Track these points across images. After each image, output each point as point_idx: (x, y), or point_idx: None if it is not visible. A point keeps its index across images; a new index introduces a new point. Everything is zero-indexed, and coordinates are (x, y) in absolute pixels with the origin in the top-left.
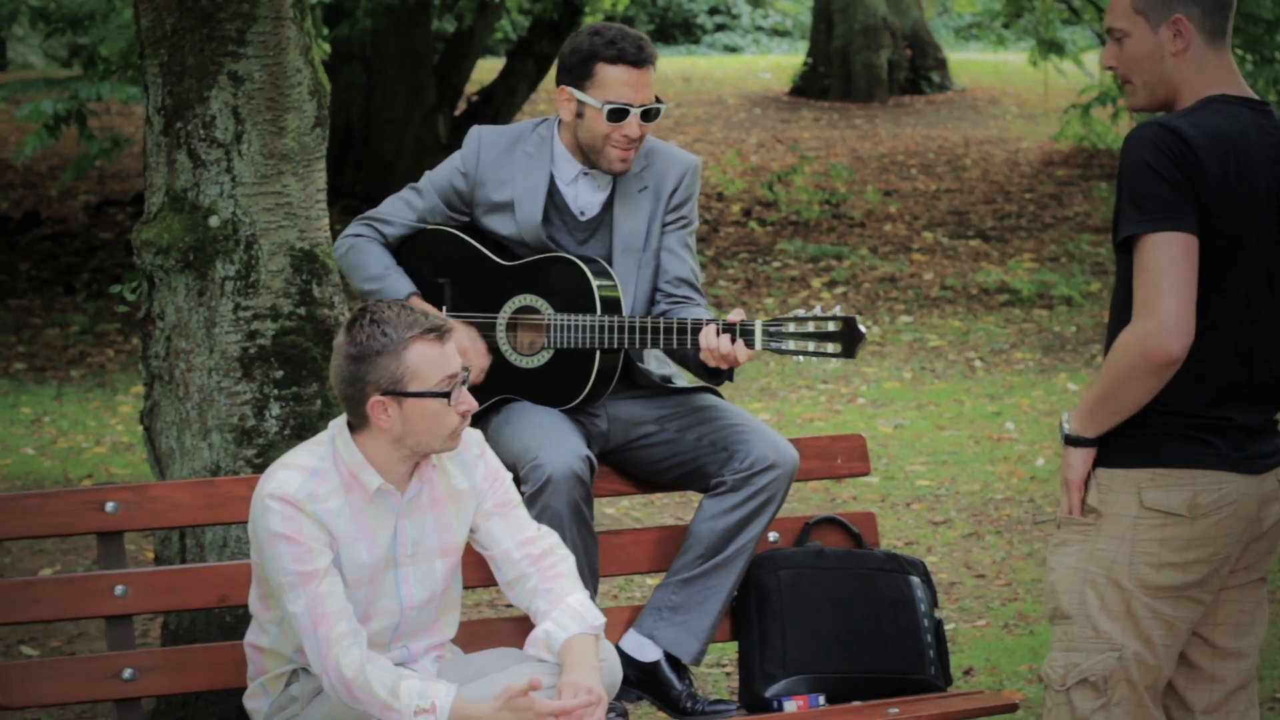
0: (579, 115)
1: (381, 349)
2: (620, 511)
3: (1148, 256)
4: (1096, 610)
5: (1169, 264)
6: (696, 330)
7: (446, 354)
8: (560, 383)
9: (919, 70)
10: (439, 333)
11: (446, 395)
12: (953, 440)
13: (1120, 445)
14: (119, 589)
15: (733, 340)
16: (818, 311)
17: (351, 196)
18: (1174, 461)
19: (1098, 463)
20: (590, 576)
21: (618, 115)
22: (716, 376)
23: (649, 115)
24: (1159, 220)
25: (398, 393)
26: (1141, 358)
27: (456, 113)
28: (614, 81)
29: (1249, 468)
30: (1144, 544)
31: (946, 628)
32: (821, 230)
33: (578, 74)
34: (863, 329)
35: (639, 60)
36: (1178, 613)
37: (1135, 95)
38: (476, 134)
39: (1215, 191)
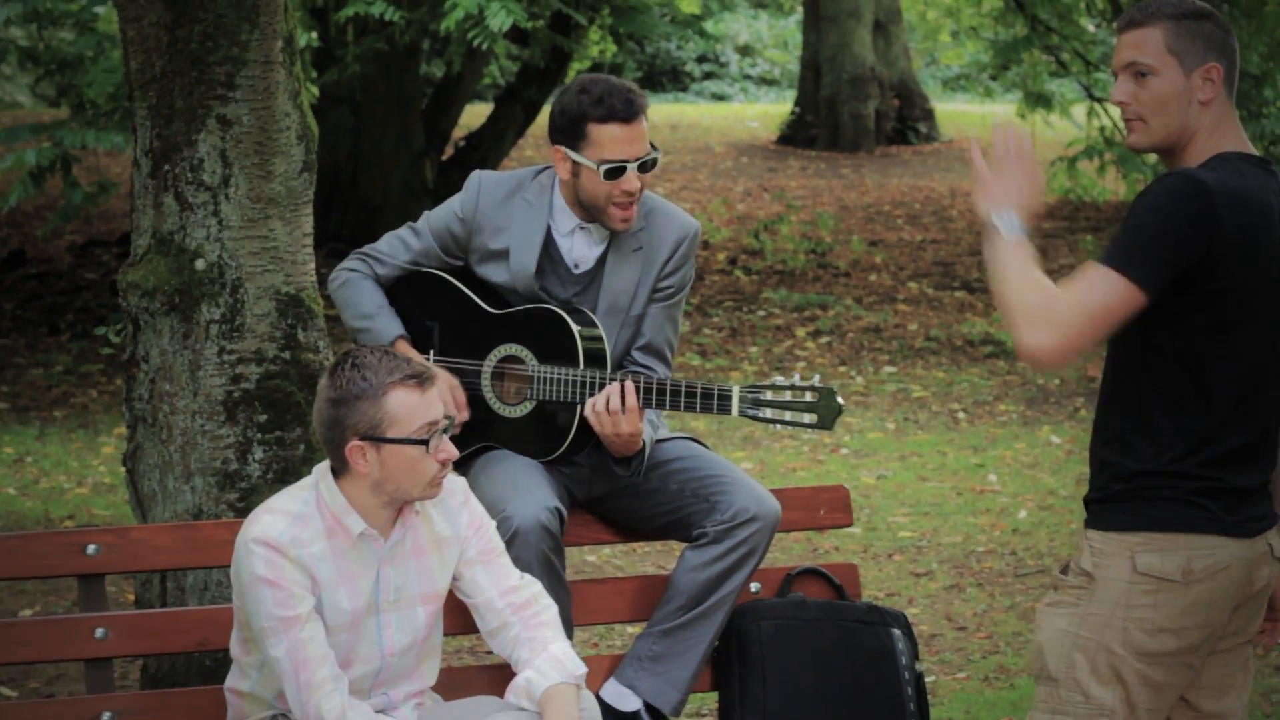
0: (575, 175)
1: (361, 394)
2: (602, 559)
3: (1097, 283)
4: (1085, 675)
5: (1103, 302)
6: (675, 392)
7: (427, 401)
8: (542, 434)
9: (906, 121)
10: (420, 379)
11: (424, 443)
12: (935, 492)
13: (1113, 508)
14: (99, 631)
15: (612, 412)
16: (796, 380)
17: (338, 240)
18: (1167, 526)
19: (1090, 525)
20: (565, 626)
21: (614, 173)
22: (623, 464)
23: (645, 167)
24: (1129, 264)
25: (376, 438)
26: (1021, 350)
27: (444, 158)
28: (607, 140)
29: (1242, 531)
30: (1138, 609)
31: (927, 680)
32: (807, 279)
33: (570, 134)
34: (840, 401)
35: (629, 115)
36: (1169, 678)
37: (1144, 135)
38: (477, 179)
39: (1230, 252)
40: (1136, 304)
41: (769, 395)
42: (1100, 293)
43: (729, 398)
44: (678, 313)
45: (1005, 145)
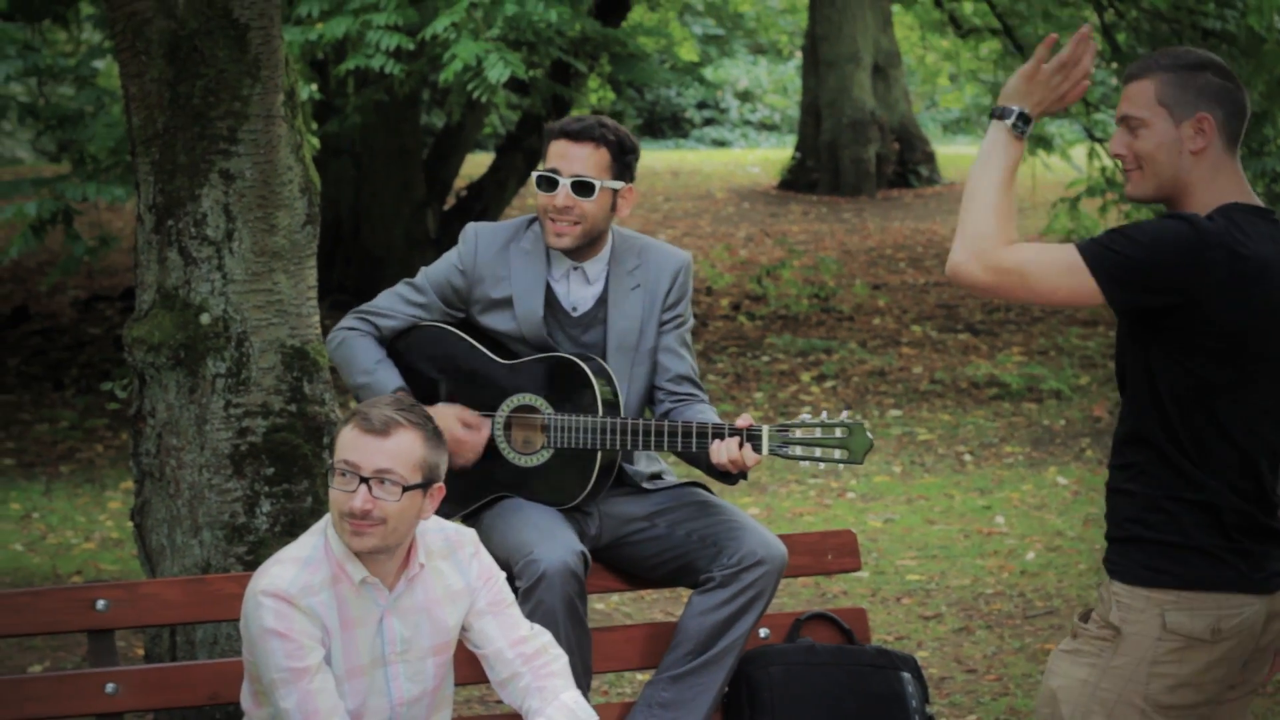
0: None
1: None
2: (610, 607)
3: (1059, 266)
4: None
5: (1054, 285)
6: (702, 434)
7: (358, 443)
8: (560, 482)
9: (907, 164)
10: (371, 426)
11: (329, 472)
12: (943, 534)
13: (1144, 563)
14: (110, 687)
15: (740, 445)
16: (824, 418)
17: (341, 291)
18: (1200, 584)
19: (1118, 578)
20: (584, 673)
21: (544, 184)
22: (730, 479)
23: (580, 188)
24: (1102, 269)
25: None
26: (949, 260)
27: (446, 207)
28: (552, 154)
29: (1265, 587)
30: (1163, 665)
31: None
32: (810, 324)
33: (543, 156)
34: (870, 436)
35: (576, 134)
36: None
37: (1139, 186)
38: (474, 231)
39: (1222, 302)
40: (1092, 299)
41: (798, 433)
42: (1055, 276)
43: (759, 437)
44: (690, 340)
45: (1073, 55)
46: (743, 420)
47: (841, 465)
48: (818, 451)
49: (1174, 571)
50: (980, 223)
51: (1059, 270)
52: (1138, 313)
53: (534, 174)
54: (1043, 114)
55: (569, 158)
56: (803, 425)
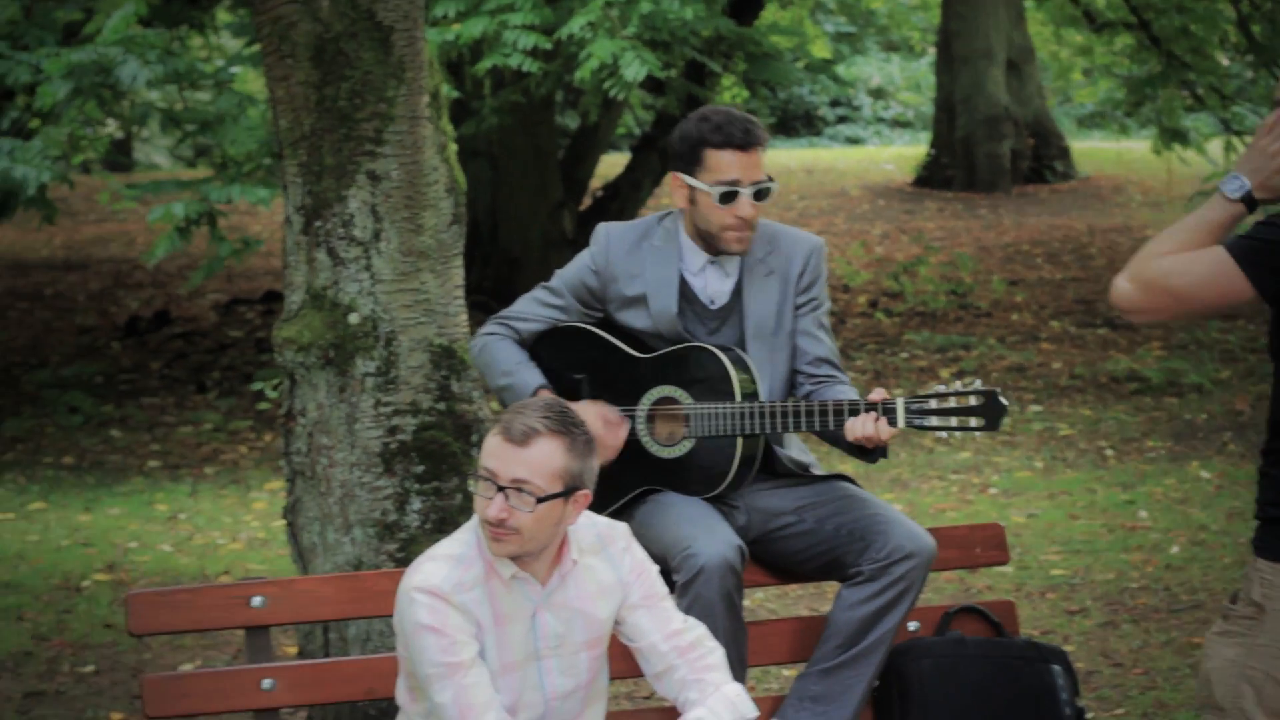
0: (692, 201)
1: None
2: (755, 603)
3: (1204, 263)
4: (1252, 705)
5: (1200, 283)
6: (839, 412)
7: (500, 452)
8: (703, 472)
9: (1042, 159)
10: (512, 433)
11: (471, 477)
12: (1086, 529)
13: None
14: (266, 682)
15: (876, 419)
16: (958, 386)
17: (479, 293)
18: None
19: (1262, 555)
20: (740, 666)
21: (728, 197)
22: (869, 455)
23: (760, 194)
24: (1246, 257)
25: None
26: (1127, 283)
27: (582, 208)
28: (723, 165)
29: None
30: None
31: (1086, 717)
32: (948, 320)
33: (688, 160)
34: (1004, 400)
35: (746, 143)
36: None
37: None
38: (605, 231)
39: None
40: (1242, 295)
41: (933, 404)
42: (1201, 274)
43: (893, 410)
44: (827, 323)
45: None
46: (876, 394)
47: (978, 433)
48: (953, 420)
49: None
50: (1154, 245)
51: (1206, 271)
52: None
53: (712, 189)
54: (1268, 191)
55: (745, 167)
56: (937, 395)
